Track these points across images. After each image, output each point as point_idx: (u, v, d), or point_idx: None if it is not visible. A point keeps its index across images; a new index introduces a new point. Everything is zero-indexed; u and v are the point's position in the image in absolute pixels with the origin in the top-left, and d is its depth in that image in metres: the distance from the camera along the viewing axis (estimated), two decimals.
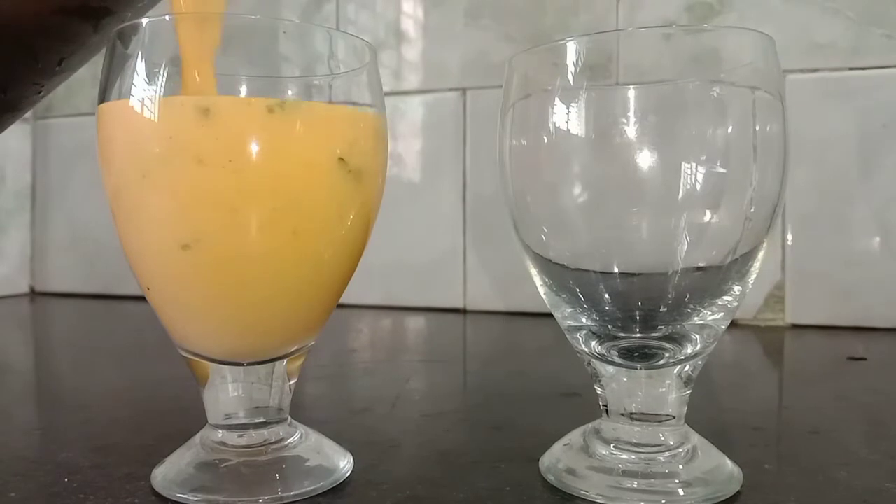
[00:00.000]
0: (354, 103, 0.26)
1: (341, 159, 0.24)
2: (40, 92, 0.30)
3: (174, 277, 0.24)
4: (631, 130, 0.23)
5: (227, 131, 0.23)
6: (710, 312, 0.25)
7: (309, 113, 0.24)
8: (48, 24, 0.26)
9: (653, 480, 0.25)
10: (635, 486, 0.25)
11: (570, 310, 0.26)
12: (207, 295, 0.25)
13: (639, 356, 0.26)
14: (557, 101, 0.25)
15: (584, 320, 0.26)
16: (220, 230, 0.23)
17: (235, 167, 0.23)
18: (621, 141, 0.24)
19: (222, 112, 0.23)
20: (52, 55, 0.27)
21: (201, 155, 0.22)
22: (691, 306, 0.25)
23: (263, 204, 0.23)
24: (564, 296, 0.26)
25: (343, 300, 0.28)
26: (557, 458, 0.27)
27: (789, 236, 0.62)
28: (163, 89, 0.23)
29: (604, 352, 0.26)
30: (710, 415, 0.35)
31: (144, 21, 0.24)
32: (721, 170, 0.24)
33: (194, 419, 0.28)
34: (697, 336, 0.25)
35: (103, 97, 0.25)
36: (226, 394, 0.27)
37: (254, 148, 0.23)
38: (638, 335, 0.25)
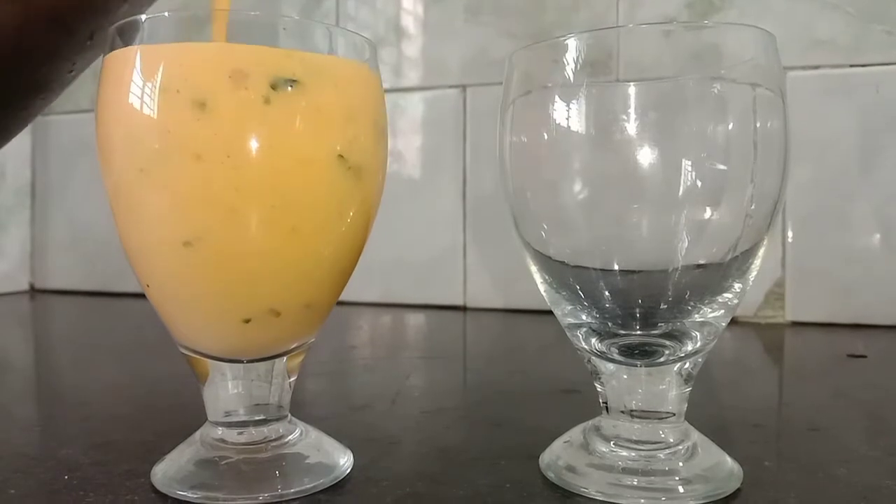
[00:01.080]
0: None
1: (341, 156, 0.24)
2: (71, 70, 0.30)
3: (174, 274, 0.24)
4: (631, 127, 0.23)
5: (224, 125, 0.22)
6: (710, 310, 0.25)
7: (307, 108, 0.24)
8: None
9: (653, 478, 0.25)
10: (635, 483, 0.25)
11: (570, 307, 0.26)
12: (207, 292, 0.24)
13: (639, 353, 0.26)
14: (557, 97, 0.24)
15: (584, 317, 0.26)
16: (220, 227, 0.23)
17: (234, 163, 0.23)
18: (622, 138, 0.23)
19: (219, 105, 0.22)
20: (84, 27, 0.28)
21: (199, 150, 0.22)
22: (691, 303, 0.25)
23: (263, 201, 0.23)
24: (564, 293, 0.26)
25: (343, 297, 0.28)
26: (557, 455, 0.27)
27: (790, 233, 0.62)
28: (161, 84, 0.23)
29: (604, 349, 0.26)
30: (710, 412, 0.35)
31: (143, 17, 0.24)
32: (721, 167, 0.23)
33: (194, 416, 0.28)
34: (697, 333, 0.25)
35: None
36: (226, 391, 0.27)
37: (252, 143, 0.23)
38: (638, 332, 0.25)
